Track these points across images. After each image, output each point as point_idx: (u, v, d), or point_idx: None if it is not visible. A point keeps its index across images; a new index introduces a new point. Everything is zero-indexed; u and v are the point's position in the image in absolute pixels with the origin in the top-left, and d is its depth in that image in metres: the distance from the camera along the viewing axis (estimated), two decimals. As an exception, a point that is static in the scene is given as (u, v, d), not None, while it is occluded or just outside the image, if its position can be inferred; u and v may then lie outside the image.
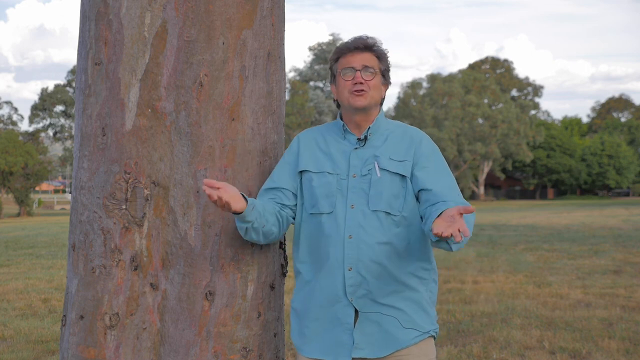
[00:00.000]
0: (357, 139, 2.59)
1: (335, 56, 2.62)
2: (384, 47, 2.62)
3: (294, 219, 2.63)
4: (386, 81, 2.64)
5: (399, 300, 2.51)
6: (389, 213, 2.50)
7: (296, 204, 2.61)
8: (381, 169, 2.52)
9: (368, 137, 2.59)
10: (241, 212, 2.38)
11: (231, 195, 2.31)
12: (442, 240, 2.30)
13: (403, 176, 2.53)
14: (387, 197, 2.51)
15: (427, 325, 2.57)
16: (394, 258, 2.50)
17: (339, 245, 2.50)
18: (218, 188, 2.28)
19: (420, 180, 2.52)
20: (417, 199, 2.55)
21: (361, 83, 2.54)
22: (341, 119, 2.64)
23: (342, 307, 2.50)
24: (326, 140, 2.63)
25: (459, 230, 2.13)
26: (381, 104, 2.66)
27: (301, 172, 2.60)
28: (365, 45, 2.58)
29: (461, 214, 2.20)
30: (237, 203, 2.33)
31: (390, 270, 2.50)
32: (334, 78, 2.63)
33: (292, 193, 2.60)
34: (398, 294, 2.52)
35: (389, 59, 2.63)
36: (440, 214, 2.29)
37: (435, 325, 2.61)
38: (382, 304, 2.50)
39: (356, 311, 2.50)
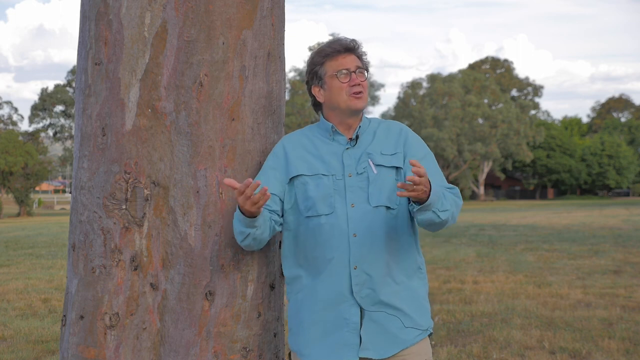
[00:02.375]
0: (349, 139, 2.58)
1: (322, 59, 2.58)
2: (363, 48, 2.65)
3: (279, 225, 2.59)
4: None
5: (400, 298, 2.52)
6: (389, 207, 2.51)
7: (280, 209, 2.58)
8: (377, 165, 2.53)
9: (359, 136, 2.59)
10: (256, 216, 2.41)
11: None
12: (425, 210, 2.39)
13: (398, 168, 2.56)
14: (387, 192, 2.52)
15: (425, 323, 2.59)
16: (396, 253, 2.53)
17: (344, 245, 2.49)
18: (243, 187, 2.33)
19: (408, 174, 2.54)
20: None
21: (359, 85, 2.55)
22: (326, 120, 2.62)
23: (348, 306, 2.49)
24: (314, 143, 2.60)
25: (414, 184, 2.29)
26: None
27: (293, 177, 2.56)
28: (349, 47, 2.59)
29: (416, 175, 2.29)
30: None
31: (393, 267, 2.52)
32: (319, 81, 2.60)
33: (279, 198, 2.56)
34: (399, 292, 2.53)
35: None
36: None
37: (431, 321, 2.63)
38: (386, 303, 2.50)
39: (361, 310, 2.50)
